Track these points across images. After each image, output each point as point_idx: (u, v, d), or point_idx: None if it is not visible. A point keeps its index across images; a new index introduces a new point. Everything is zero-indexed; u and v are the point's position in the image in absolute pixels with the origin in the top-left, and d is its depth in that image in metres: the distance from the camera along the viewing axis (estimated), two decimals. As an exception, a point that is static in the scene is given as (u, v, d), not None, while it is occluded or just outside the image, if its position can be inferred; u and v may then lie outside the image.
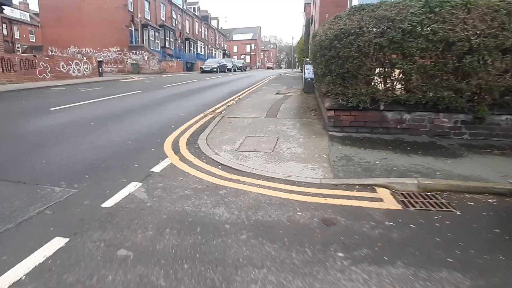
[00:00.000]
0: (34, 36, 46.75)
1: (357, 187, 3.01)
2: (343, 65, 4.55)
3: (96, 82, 15.37)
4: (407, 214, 2.49)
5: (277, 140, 4.59)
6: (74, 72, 16.77)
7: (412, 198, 2.81)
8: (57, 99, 9.14)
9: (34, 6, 42.21)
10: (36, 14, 38.93)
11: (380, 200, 2.75)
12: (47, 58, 15.52)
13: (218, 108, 7.75)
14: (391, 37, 4.07)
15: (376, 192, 2.90)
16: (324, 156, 3.86)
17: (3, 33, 20.14)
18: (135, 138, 4.83)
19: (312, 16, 14.96)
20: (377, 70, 4.68)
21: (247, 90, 12.43)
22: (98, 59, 18.77)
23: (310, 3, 28.11)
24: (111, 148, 4.28)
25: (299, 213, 2.47)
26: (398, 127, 4.75)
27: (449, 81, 4.18)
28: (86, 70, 17.67)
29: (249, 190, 2.91)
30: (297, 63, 49.86)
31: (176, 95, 10.45)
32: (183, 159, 3.85)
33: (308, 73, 10.02)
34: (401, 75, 4.47)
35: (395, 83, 4.65)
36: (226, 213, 2.46)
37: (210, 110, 7.44)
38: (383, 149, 4.06)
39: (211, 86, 14.54)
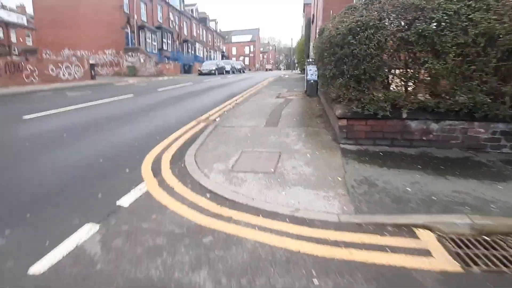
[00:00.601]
0: (31, 39, 46.15)
1: (389, 228, 2.24)
2: (358, 66, 3.78)
3: (86, 85, 14.60)
4: (475, 283, 1.71)
5: (280, 156, 3.81)
6: (64, 76, 16.01)
7: (469, 248, 2.03)
8: (37, 105, 8.37)
9: (31, 9, 41.62)
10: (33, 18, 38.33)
11: (427, 253, 1.96)
12: (35, 61, 14.75)
13: (213, 114, 6.98)
14: (420, 30, 3.30)
15: (418, 238, 2.13)
16: (339, 178, 3.08)
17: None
18: (110, 154, 4.06)
19: (313, 15, 14.22)
20: (398, 71, 3.91)
21: (246, 94, 11.67)
22: (91, 62, 17.99)
23: (310, 4, 27.48)
24: (77, 169, 3.50)
25: (316, 283, 1.68)
26: (424, 138, 3.98)
27: (490, 83, 3.41)
28: (78, 73, 16.91)
29: (244, 236, 2.13)
30: (296, 65, 49.19)
31: (168, 99, 9.68)
32: (163, 184, 3.07)
33: (311, 74, 9.26)
34: (428, 76, 3.70)
35: (420, 86, 3.88)
36: (210, 283, 1.68)
37: (204, 117, 6.66)
38: (411, 169, 3.29)
39: (208, 89, 13.77)
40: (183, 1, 42.51)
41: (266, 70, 71.82)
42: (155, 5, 33.83)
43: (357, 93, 3.93)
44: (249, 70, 63.44)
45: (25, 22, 48.03)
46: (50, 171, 3.44)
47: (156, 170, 3.46)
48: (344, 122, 4.14)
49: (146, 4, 32.16)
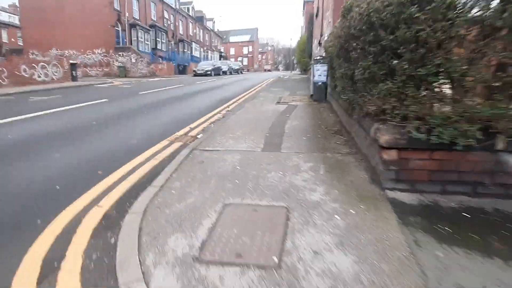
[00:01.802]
0: (22, 39, 44.66)
1: None
2: (426, 59, 2.14)
3: (60, 88, 12.92)
4: None
5: (288, 217, 2.18)
6: (40, 77, 14.33)
7: None
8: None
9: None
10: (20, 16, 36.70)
11: None
12: (4, 61, 13.07)
13: (195, 128, 5.32)
14: None
15: None
16: (418, 294, 1.43)
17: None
18: (-1, 211, 2.40)
19: (318, 7, 12.59)
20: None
21: (241, 98, 10.03)
22: (71, 61, 16.32)
23: (311, 1, 25.84)
24: None
25: None
26: (532, 184, 2.34)
27: None
28: (56, 74, 15.23)
29: None
30: (296, 65, 47.62)
31: (146, 106, 8.01)
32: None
33: (319, 75, 7.63)
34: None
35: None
36: None
37: (182, 132, 5.01)
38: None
39: (198, 92, 12.11)
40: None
41: (265, 70, 70.30)
42: (148, 2, 32.17)
43: (420, 107, 2.28)
44: (247, 70, 61.89)
45: (17, 22, 46.58)
46: None
47: (56, 256, 1.81)
48: (393, 154, 2.49)
49: (138, 1, 30.50)
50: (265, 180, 2.82)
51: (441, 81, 2.15)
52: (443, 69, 2.10)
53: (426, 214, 2.17)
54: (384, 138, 2.47)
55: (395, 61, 2.36)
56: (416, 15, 2.08)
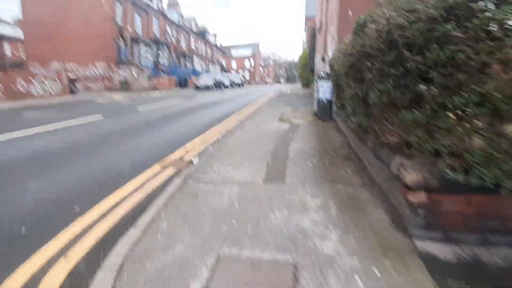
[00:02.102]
0: (24, 52, 44.99)
1: None
2: (464, 85, 1.76)
3: (57, 104, 12.64)
4: None
5: (295, 278, 1.75)
6: (38, 91, 14.10)
7: None
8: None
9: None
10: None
11: None
12: (1, 75, 12.86)
13: (191, 151, 4.92)
14: None
15: None
16: None
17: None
18: None
19: (320, 22, 12.43)
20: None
21: (242, 114, 9.69)
22: (71, 76, 16.15)
23: (313, 17, 25.93)
24: None
25: None
26: None
27: None
28: (54, 88, 15.02)
29: None
30: (298, 79, 47.75)
31: (141, 123, 7.66)
32: None
33: (323, 92, 7.30)
34: None
35: None
36: None
37: (176, 156, 4.61)
38: None
39: (197, 107, 11.80)
40: (181, 14, 41.41)
41: (266, 83, 70.67)
42: (150, 17, 32.48)
43: (455, 141, 1.88)
44: (249, 83, 62.15)
45: (21, 36, 47.08)
46: None
47: None
48: (421, 196, 2.08)
49: (141, 16, 30.79)
50: (267, 221, 2.40)
51: (483, 111, 1.76)
52: (486, 98, 1.71)
53: (468, 276, 1.74)
54: (411, 178, 2.06)
55: (423, 87, 1.98)
56: (451, 33, 1.71)
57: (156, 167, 3.98)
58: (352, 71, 3.45)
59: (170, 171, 3.84)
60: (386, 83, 2.36)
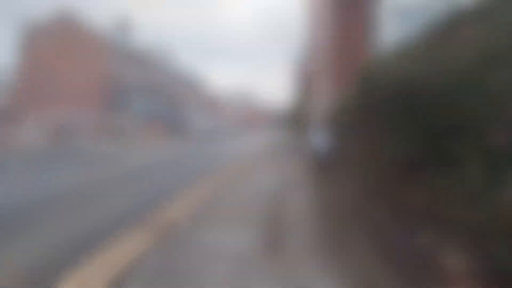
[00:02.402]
0: (16, 99, 45.00)
1: None
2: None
3: (35, 153, 11.95)
4: None
5: None
6: (19, 139, 13.47)
7: None
8: None
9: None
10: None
11: None
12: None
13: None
14: None
15: None
16: None
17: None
18: None
19: (314, 69, 12.60)
20: None
21: (226, 180, 9.14)
22: (59, 123, 15.71)
23: (302, 62, 26.98)
24: None
25: None
26: None
27: None
28: (39, 136, 14.45)
29: None
30: (289, 124, 48.42)
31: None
32: None
33: (318, 143, 6.93)
34: None
35: None
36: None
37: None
38: None
39: (170, 167, 11.19)
40: (175, 64, 43.01)
41: (257, 128, 71.61)
42: (146, 67, 33.44)
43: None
44: (240, 130, 62.88)
45: (12, 81, 47.30)
46: None
47: None
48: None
49: (136, 66, 31.66)
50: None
51: None
52: None
53: None
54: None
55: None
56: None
57: None
58: (358, 123, 3.06)
59: None
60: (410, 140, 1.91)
